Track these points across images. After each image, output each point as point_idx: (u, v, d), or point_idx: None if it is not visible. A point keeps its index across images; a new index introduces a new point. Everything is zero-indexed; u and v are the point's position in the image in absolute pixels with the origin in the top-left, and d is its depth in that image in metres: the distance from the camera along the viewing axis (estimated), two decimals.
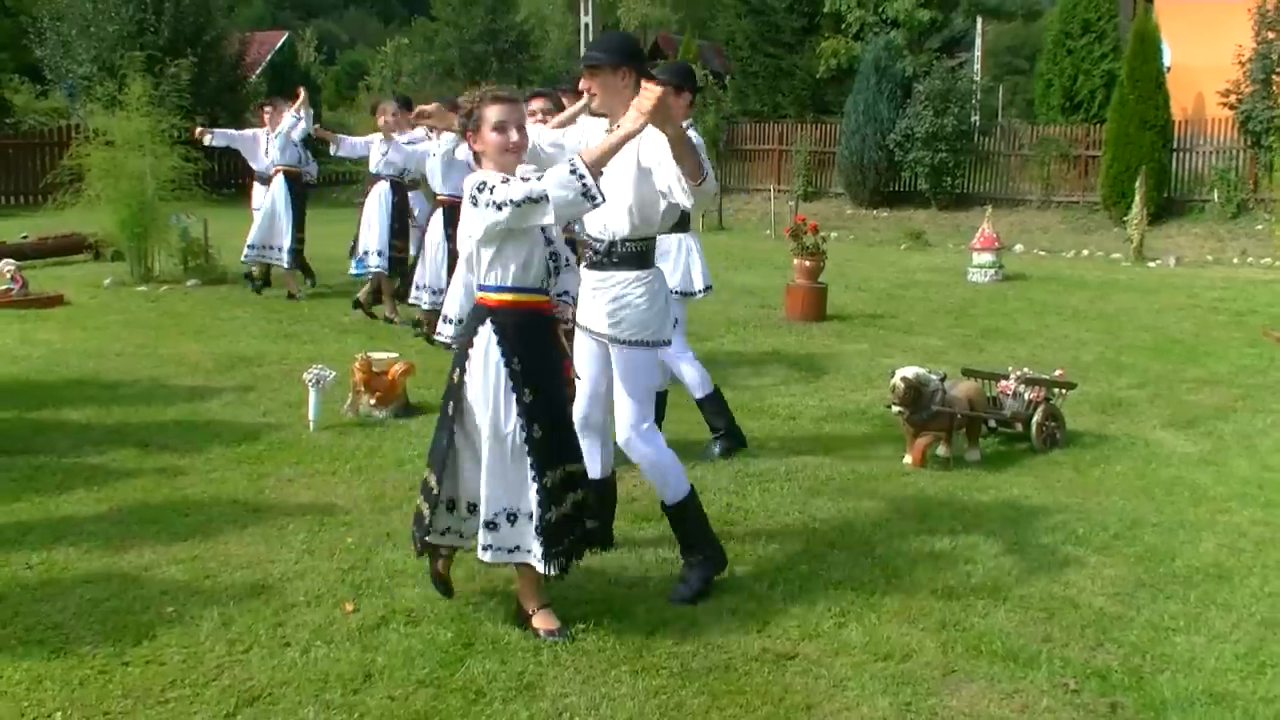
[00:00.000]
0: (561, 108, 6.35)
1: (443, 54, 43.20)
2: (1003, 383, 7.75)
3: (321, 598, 4.95)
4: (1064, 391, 7.80)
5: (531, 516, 4.54)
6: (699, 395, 7.32)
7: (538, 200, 4.30)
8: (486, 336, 4.54)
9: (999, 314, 12.87)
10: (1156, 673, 4.42)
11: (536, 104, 6.49)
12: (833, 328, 11.83)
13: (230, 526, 5.79)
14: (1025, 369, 7.97)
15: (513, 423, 4.50)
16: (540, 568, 4.54)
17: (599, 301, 5.09)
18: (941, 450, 7.18)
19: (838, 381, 9.33)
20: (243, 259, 13.33)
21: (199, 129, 13.50)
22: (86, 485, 6.36)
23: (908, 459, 7.09)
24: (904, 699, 4.18)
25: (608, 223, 5.02)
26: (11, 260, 12.94)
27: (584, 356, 5.24)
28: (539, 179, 4.37)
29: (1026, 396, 7.61)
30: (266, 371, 9.32)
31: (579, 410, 5.25)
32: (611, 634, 4.63)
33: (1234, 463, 7.27)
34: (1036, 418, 7.46)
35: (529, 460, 4.52)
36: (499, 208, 4.34)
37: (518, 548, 4.57)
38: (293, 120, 12.70)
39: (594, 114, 5.16)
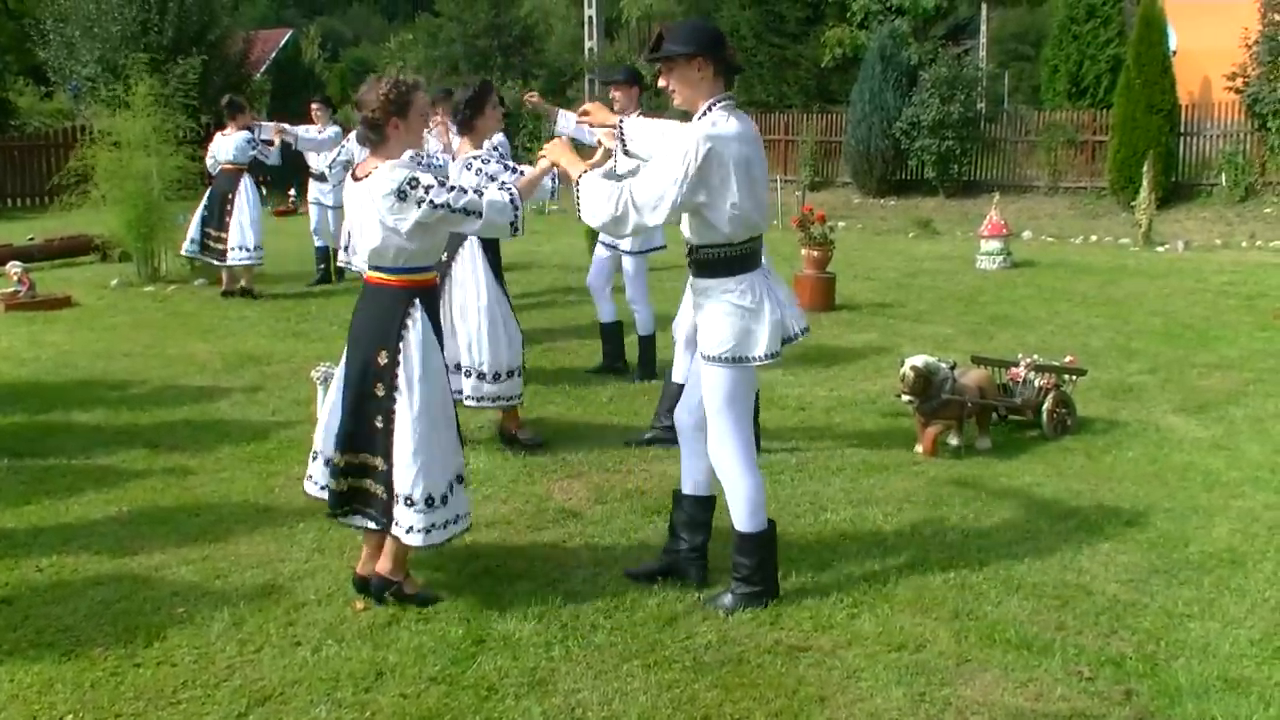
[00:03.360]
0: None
1: (447, 49, 43.12)
2: (1013, 370, 7.73)
3: (332, 596, 4.95)
4: (1074, 378, 7.77)
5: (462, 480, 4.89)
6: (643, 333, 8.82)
7: (471, 214, 4.66)
8: (419, 317, 4.73)
9: (1008, 301, 12.82)
10: (1171, 659, 4.40)
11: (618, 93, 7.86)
12: (841, 317, 11.80)
13: (240, 526, 5.79)
14: (1035, 356, 7.94)
15: (445, 395, 4.82)
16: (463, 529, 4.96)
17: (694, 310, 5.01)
18: (952, 439, 7.15)
19: (847, 371, 9.31)
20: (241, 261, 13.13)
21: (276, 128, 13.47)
22: (96, 487, 6.37)
23: (918, 448, 7.07)
24: (918, 689, 4.16)
25: (685, 229, 4.83)
26: (18, 262, 12.95)
27: (688, 360, 5.27)
28: (479, 194, 4.68)
29: (1037, 383, 7.58)
30: (275, 370, 9.32)
31: (676, 413, 5.20)
32: (623, 628, 4.63)
33: (1246, 447, 7.23)
34: (1047, 405, 7.43)
35: (456, 426, 4.93)
36: (434, 207, 4.59)
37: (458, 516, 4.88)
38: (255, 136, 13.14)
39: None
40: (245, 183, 13.02)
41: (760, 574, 4.85)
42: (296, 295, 13.13)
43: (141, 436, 7.41)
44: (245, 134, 13.07)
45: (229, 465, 6.83)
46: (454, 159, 6.99)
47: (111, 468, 6.77)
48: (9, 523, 5.84)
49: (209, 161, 13.38)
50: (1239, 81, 20.45)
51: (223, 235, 12.94)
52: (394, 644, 4.49)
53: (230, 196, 12.94)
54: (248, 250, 13.02)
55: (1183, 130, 21.00)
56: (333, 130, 13.81)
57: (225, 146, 13.11)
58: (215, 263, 13.16)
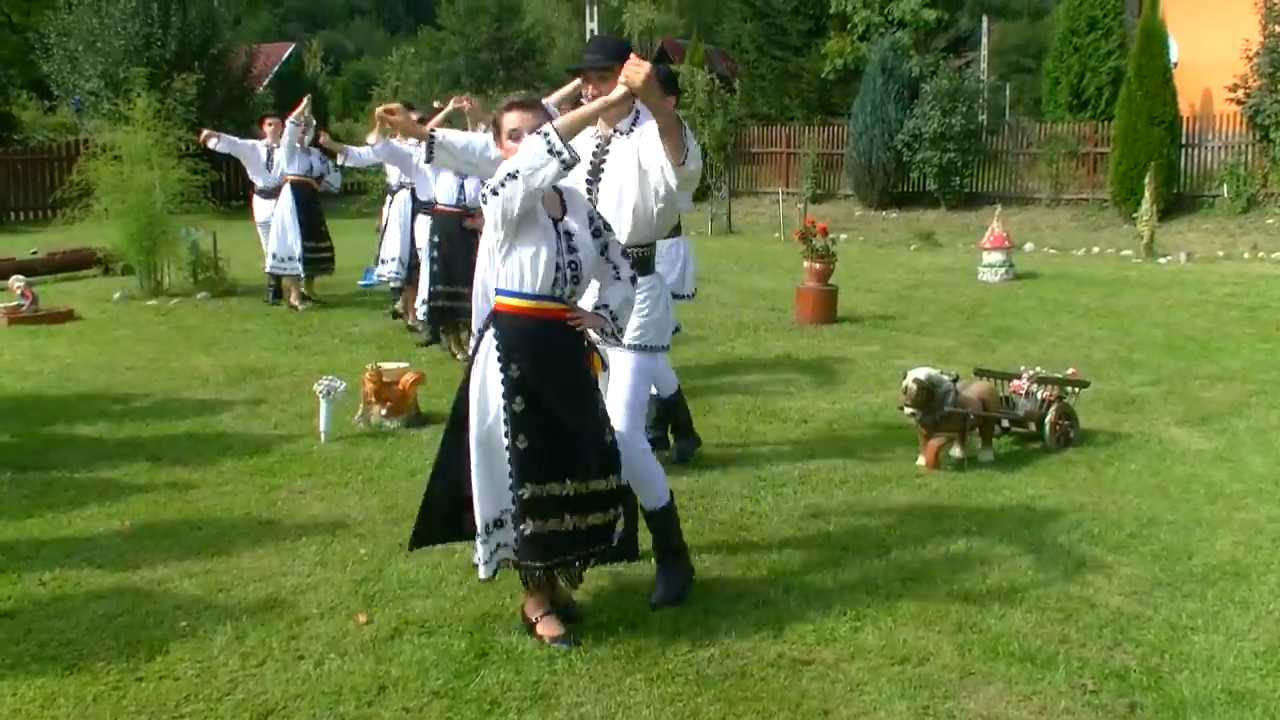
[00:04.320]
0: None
1: (449, 62, 43.32)
2: (1015, 382, 7.72)
3: (335, 610, 4.94)
4: (1077, 390, 7.77)
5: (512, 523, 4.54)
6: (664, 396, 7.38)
7: (513, 175, 4.34)
8: (489, 341, 4.55)
9: (1010, 313, 12.83)
10: (1175, 672, 4.39)
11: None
12: (843, 330, 11.80)
13: (243, 540, 5.78)
14: (1037, 368, 7.94)
15: (500, 430, 4.46)
16: (520, 574, 4.64)
17: None
18: (955, 451, 7.15)
19: (849, 384, 9.31)
20: (267, 268, 13.27)
21: (205, 132, 13.46)
22: (99, 500, 6.36)
23: (921, 460, 7.06)
24: (921, 702, 4.15)
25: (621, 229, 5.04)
26: (21, 276, 12.96)
27: None
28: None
29: (1039, 396, 7.57)
30: (277, 383, 9.32)
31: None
32: (626, 641, 4.61)
33: (1249, 459, 7.23)
34: (1050, 417, 7.42)
35: (509, 469, 4.46)
36: (493, 194, 4.39)
37: (504, 545, 4.58)
38: (291, 128, 12.72)
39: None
40: (285, 194, 13.04)
41: (676, 544, 5.13)
42: (289, 307, 13.12)
43: (144, 450, 7.41)
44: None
45: (231, 479, 6.82)
46: None
47: (114, 481, 6.76)
48: (11, 536, 5.84)
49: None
50: (1240, 93, 20.48)
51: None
52: (397, 658, 4.49)
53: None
54: (288, 260, 13.11)
55: (1184, 142, 21.04)
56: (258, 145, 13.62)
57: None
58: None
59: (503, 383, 4.46)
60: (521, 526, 4.44)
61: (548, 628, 4.64)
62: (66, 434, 7.79)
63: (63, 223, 14.65)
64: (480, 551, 4.53)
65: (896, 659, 4.48)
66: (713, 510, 6.17)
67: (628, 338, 5.00)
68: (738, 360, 10.26)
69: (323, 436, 7.59)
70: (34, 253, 16.56)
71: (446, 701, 4.15)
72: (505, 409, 4.44)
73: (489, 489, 4.49)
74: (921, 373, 6.99)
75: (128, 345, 11.01)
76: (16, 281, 12.61)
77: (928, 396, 6.91)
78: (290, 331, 11.74)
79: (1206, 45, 21.28)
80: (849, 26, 28.49)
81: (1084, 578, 5.30)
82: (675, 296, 7.29)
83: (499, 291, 4.56)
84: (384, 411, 7.90)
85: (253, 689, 4.25)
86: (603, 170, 5.08)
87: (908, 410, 7.01)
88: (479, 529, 4.52)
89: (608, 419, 4.75)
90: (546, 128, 4.37)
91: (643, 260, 5.13)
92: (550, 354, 4.56)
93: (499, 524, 4.52)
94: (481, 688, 4.25)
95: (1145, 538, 5.82)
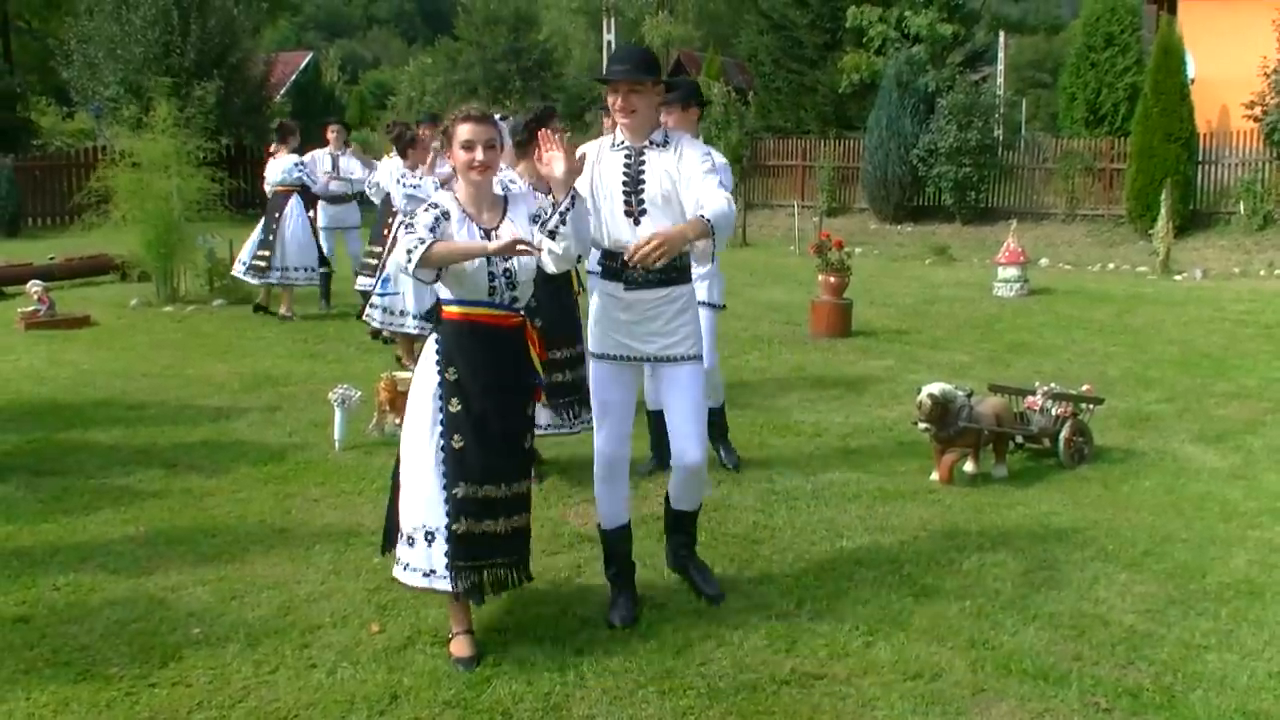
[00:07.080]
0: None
1: (466, 73, 43.45)
2: (1030, 398, 7.71)
3: (348, 618, 4.95)
4: (1091, 406, 7.75)
5: (443, 535, 4.51)
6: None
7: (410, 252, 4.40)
8: (430, 346, 4.64)
9: (1025, 329, 12.80)
10: (1188, 691, 4.37)
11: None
12: (858, 344, 11.79)
13: (257, 547, 5.80)
14: (1052, 384, 7.93)
15: (435, 432, 4.53)
16: (448, 585, 4.53)
17: (654, 322, 4.89)
18: (969, 466, 7.13)
19: (863, 398, 9.30)
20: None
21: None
22: (114, 506, 6.39)
23: (935, 476, 7.05)
24: (933, 718, 4.14)
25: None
26: (39, 281, 13.03)
27: (612, 388, 5.02)
28: (422, 236, 4.44)
29: (1054, 412, 7.56)
30: (292, 391, 9.35)
31: (611, 449, 5.00)
32: (638, 654, 4.62)
33: (1264, 477, 7.20)
34: (1064, 433, 7.41)
35: (441, 470, 4.51)
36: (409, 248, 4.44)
37: (433, 572, 4.53)
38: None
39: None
40: (293, 204, 13.06)
41: None
42: (314, 317, 13.16)
43: (159, 456, 7.43)
44: (293, 157, 13.14)
45: (246, 486, 6.85)
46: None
47: (129, 487, 6.79)
48: (26, 541, 5.86)
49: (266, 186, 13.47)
50: (1257, 110, 20.43)
51: (264, 254, 13.03)
52: (409, 667, 4.49)
53: (277, 217, 13.06)
54: (302, 271, 13.18)
55: (1201, 158, 20.97)
56: (358, 167, 13.55)
57: (274, 169, 13.21)
58: (254, 281, 13.24)
59: (439, 385, 4.55)
60: (454, 526, 4.49)
61: (459, 647, 4.57)
62: (82, 439, 7.82)
63: (81, 229, 14.74)
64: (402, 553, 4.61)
65: (909, 675, 4.47)
66: (726, 524, 6.17)
67: (685, 349, 4.91)
68: (751, 373, 10.26)
69: (337, 445, 7.61)
70: (52, 258, 16.63)
71: (458, 712, 4.16)
72: (442, 410, 4.53)
73: (420, 497, 4.54)
74: (936, 388, 6.98)
75: (144, 351, 11.06)
76: (34, 287, 12.68)
77: (942, 411, 6.90)
78: (305, 339, 11.78)
79: (1224, 62, 21.25)
80: (865, 40, 28.50)
81: (1097, 595, 5.28)
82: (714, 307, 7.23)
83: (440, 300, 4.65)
84: (398, 420, 7.90)
85: (265, 697, 4.26)
86: (642, 182, 4.83)
87: (922, 425, 7.01)
88: (406, 535, 4.59)
89: (532, 422, 4.86)
90: (426, 240, 4.41)
91: (682, 269, 4.91)
92: (490, 356, 4.60)
93: (429, 537, 4.52)
94: (494, 698, 4.25)
95: (1159, 555, 5.80)
